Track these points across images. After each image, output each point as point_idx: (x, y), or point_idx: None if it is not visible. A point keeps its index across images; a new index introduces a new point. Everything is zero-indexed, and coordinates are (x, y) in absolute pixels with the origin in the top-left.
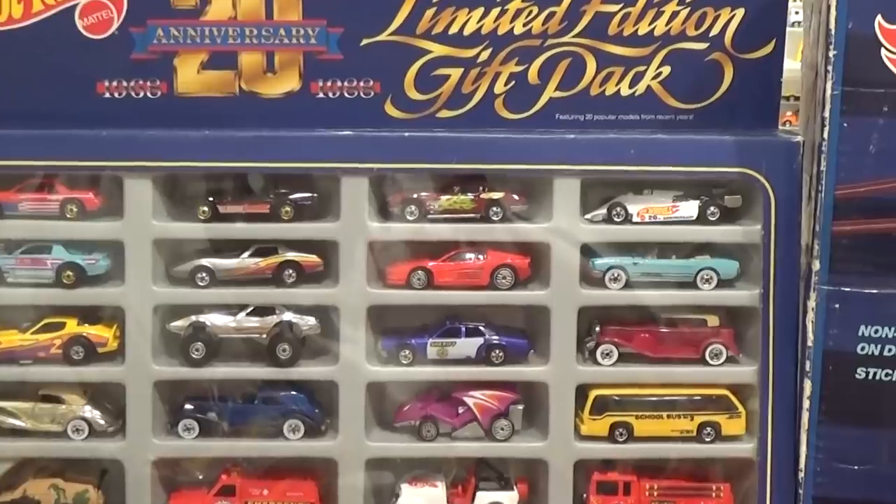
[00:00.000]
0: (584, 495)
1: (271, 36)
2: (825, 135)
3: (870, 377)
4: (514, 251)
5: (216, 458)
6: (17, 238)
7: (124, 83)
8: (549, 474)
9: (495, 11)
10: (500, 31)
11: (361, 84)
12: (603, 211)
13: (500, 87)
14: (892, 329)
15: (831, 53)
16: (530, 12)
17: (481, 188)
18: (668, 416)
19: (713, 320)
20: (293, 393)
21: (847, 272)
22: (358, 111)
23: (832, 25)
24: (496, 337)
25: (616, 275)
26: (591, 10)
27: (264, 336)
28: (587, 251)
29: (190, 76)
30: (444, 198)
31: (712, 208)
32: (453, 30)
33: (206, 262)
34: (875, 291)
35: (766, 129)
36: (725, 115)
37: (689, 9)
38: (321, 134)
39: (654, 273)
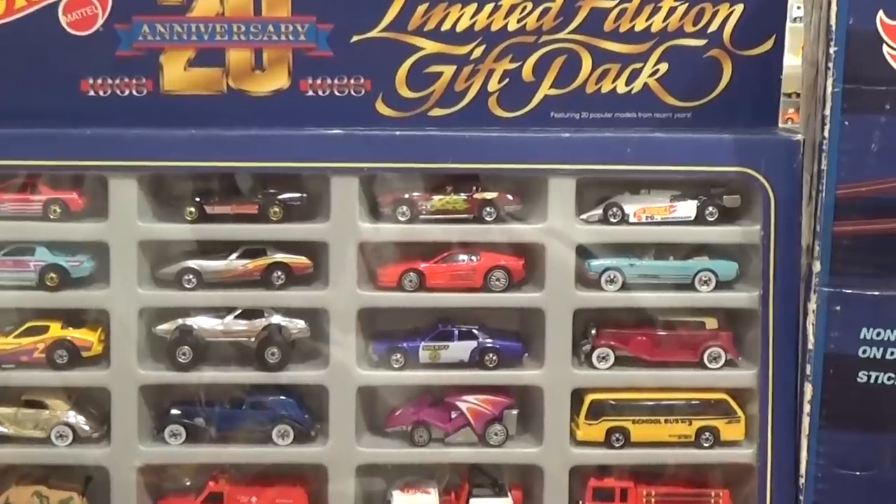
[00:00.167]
0: (580, 502)
1: (259, 32)
2: (826, 133)
3: (872, 381)
4: (508, 252)
5: (203, 464)
6: None
7: (109, 81)
8: (545, 481)
9: (489, 7)
10: (494, 28)
11: (352, 82)
12: (599, 211)
13: (493, 85)
14: (895, 331)
15: (832, 50)
16: (524, 8)
17: (474, 188)
18: (666, 421)
19: (712, 323)
20: (282, 398)
21: (848, 273)
22: (348, 109)
23: (833, 21)
24: (490, 340)
25: (612, 276)
26: (586, 5)
27: (252, 339)
28: (583, 252)
29: (176, 74)
30: (436, 198)
31: (711, 208)
32: (446, 26)
33: (192, 263)
34: (877, 293)
35: (765, 127)
36: (724, 114)
37: (686, 4)
38: (311, 133)
39: (652, 274)
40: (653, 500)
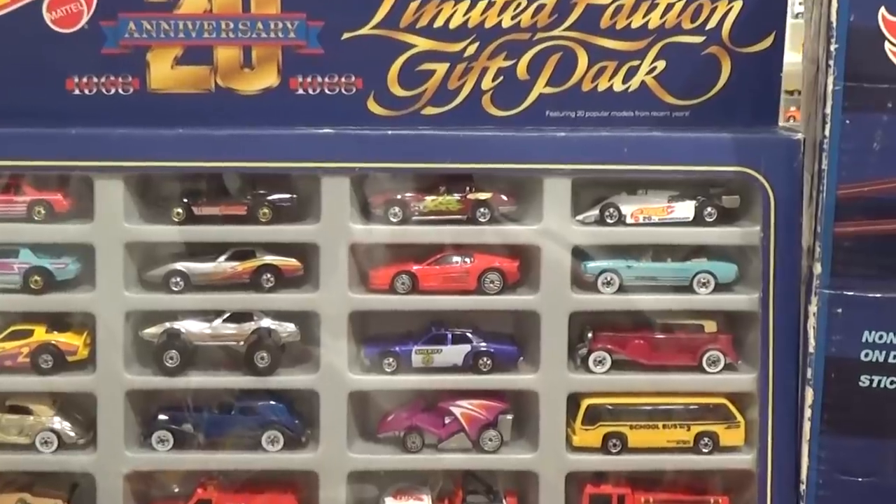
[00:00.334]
0: None
1: (248, 30)
2: (826, 132)
3: (874, 385)
4: (502, 254)
5: (191, 471)
6: None
7: (95, 79)
8: (540, 487)
9: (482, 4)
10: (488, 25)
11: (343, 80)
12: (595, 212)
13: (487, 83)
14: None
15: (832, 47)
16: (519, 4)
17: (468, 188)
18: (664, 426)
19: (710, 326)
20: (272, 403)
21: (850, 275)
22: (339, 108)
23: (833, 18)
24: (484, 344)
25: (609, 278)
26: (582, 2)
27: (242, 343)
28: (579, 254)
29: (163, 72)
30: (429, 198)
31: (709, 209)
32: (438, 23)
33: (180, 266)
34: (879, 295)
35: (765, 126)
36: (723, 112)
37: (684, 0)
38: (301, 132)
39: (649, 276)
40: None
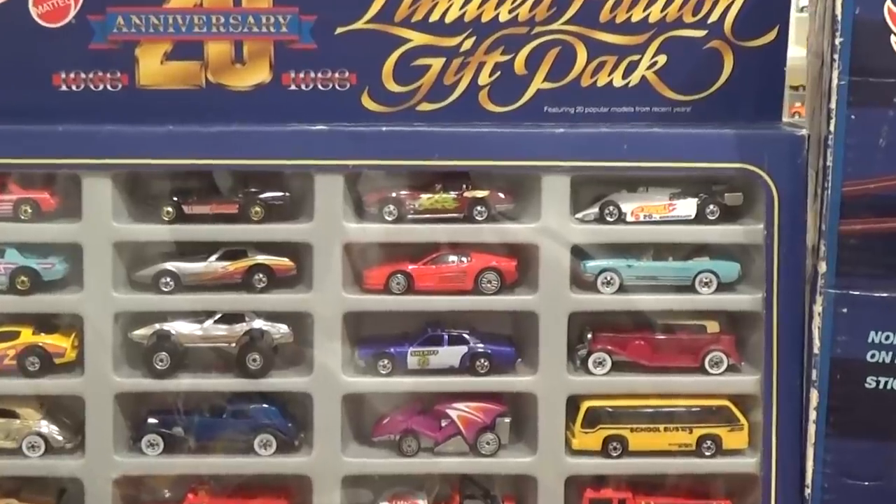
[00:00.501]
0: None
1: (240, 24)
2: (832, 127)
3: (880, 386)
4: (499, 253)
5: (182, 475)
6: None
7: (82, 75)
8: (539, 491)
9: None
10: (485, 18)
11: (336, 75)
12: (595, 210)
13: (484, 79)
14: None
15: (837, 41)
16: None
17: (464, 186)
18: (666, 429)
19: (713, 326)
20: (264, 406)
21: (856, 274)
22: (333, 104)
23: (838, 11)
24: (481, 345)
25: (609, 278)
26: None
27: (233, 345)
28: (578, 253)
29: (153, 67)
30: (424, 196)
31: (711, 207)
32: (434, 17)
33: (170, 266)
34: (885, 295)
35: (768, 121)
36: (725, 107)
37: None
38: (293, 129)
39: (650, 276)
40: None
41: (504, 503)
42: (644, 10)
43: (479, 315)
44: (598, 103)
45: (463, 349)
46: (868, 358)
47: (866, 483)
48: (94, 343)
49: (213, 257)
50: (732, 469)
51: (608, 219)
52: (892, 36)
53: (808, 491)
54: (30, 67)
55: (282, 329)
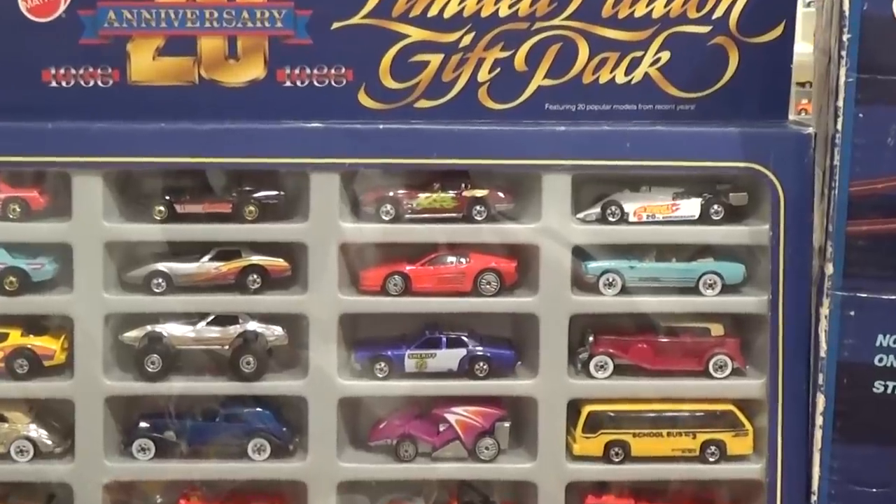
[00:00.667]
0: None
1: (233, 19)
2: (839, 126)
3: (888, 391)
4: (499, 254)
5: (174, 480)
6: None
7: (72, 71)
8: (539, 498)
9: None
10: (484, 14)
11: (332, 71)
12: (596, 210)
13: (483, 75)
14: None
15: (845, 37)
16: None
17: (463, 185)
18: (669, 434)
19: (717, 329)
20: (258, 409)
21: (863, 276)
22: (329, 101)
23: (846, 7)
24: (480, 348)
25: (611, 279)
26: None
27: (226, 347)
28: (579, 254)
29: (144, 63)
30: (422, 196)
31: (716, 207)
32: (433, 12)
33: (162, 266)
34: (894, 297)
35: (774, 120)
36: (730, 105)
37: None
38: (288, 126)
39: (653, 277)
40: None
41: None
42: (647, 5)
43: (479, 317)
44: (600, 101)
45: (461, 352)
46: (876, 362)
47: (874, 490)
48: (85, 345)
49: (206, 258)
50: (737, 475)
51: (610, 219)
52: None
53: (814, 498)
54: (19, 63)
55: (276, 331)
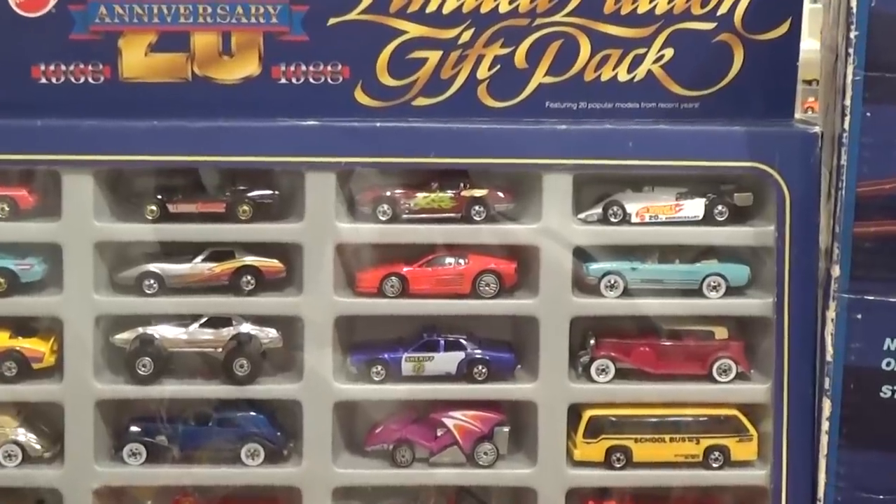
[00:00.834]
0: None
1: (228, 14)
2: (846, 125)
3: None
4: (499, 255)
5: (166, 486)
6: None
7: (63, 67)
8: None
9: None
10: (484, 10)
11: (329, 68)
12: (598, 210)
13: (483, 72)
14: None
15: (852, 34)
16: None
17: (462, 185)
18: (671, 440)
19: (721, 332)
20: (252, 413)
21: (870, 278)
22: (324, 99)
23: (853, 3)
24: (479, 351)
25: (613, 281)
26: None
27: (220, 350)
28: (580, 255)
29: (136, 59)
30: (420, 195)
31: (720, 207)
32: (431, 8)
33: (154, 267)
34: None
35: (780, 118)
36: (735, 104)
37: None
38: (283, 124)
39: (656, 279)
40: None
41: None
42: (650, 1)
43: (477, 320)
44: (601, 99)
45: (460, 355)
46: (883, 366)
47: (881, 497)
48: (74, 347)
49: (199, 258)
50: (741, 481)
51: (612, 219)
52: None
53: None
54: (8, 59)
55: (270, 333)
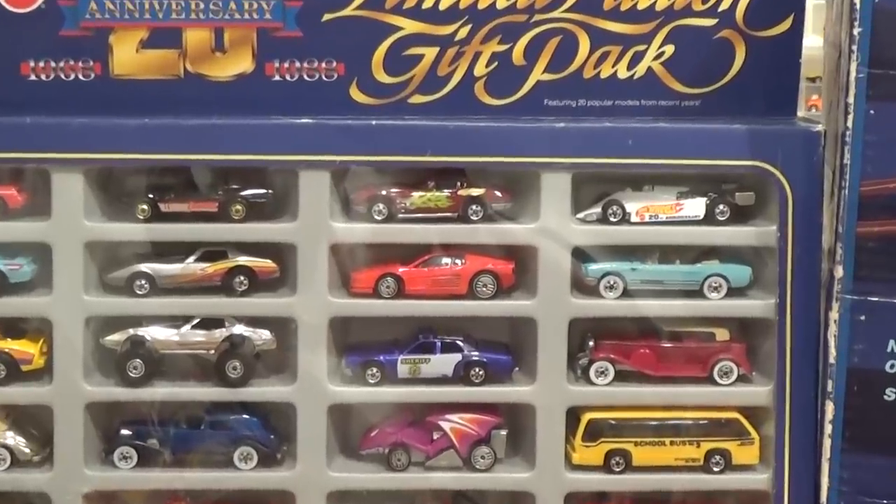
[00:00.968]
0: None
1: (220, 10)
2: (849, 123)
3: None
4: (496, 255)
5: (157, 490)
6: None
7: (52, 63)
8: None
9: None
10: (481, 5)
11: (323, 65)
12: (597, 210)
13: (480, 69)
14: None
15: (856, 31)
16: None
17: (459, 184)
18: (672, 443)
19: (722, 334)
20: (245, 416)
21: (874, 279)
22: (319, 96)
23: None
24: (476, 353)
25: (612, 282)
26: None
27: (212, 352)
28: (579, 255)
29: (127, 56)
30: (416, 194)
31: (721, 206)
32: (427, 3)
33: (145, 267)
34: None
35: (782, 116)
36: (736, 101)
37: None
38: (277, 122)
39: (656, 280)
40: None
41: None
42: None
43: (474, 321)
44: (601, 96)
45: (457, 357)
46: (887, 368)
47: (885, 501)
48: (64, 349)
49: (191, 258)
50: (742, 486)
51: (611, 219)
52: None
53: None
54: None
55: (264, 335)
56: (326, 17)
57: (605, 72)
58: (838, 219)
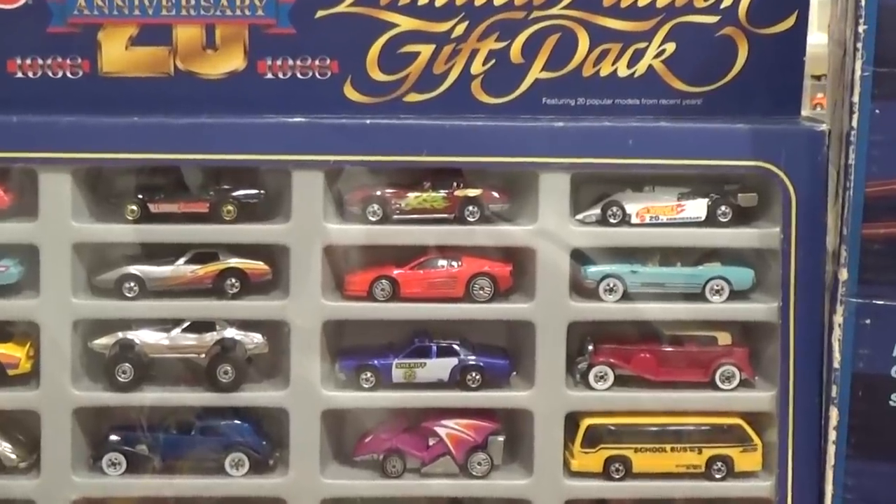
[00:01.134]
0: None
1: (212, 6)
2: (854, 122)
3: None
4: (493, 257)
5: (146, 497)
6: None
7: (40, 61)
8: None
9: None
10: (478, 2)
11: (316, 63)
12: (597, 211)
13: (477, 67)
14: None
15: (861, 28)
16: None
17: (455, 184)
18: (673, 450)
19: (724, 338)
20: (237, 422)
21: (879, 282)
22: (312, 94)
23: None
24: (473, 357)
25: (612, 285)
26: None
27: (203, 356)
28: (578, 257)
29: (116, 53)
30: (412, 195)
31: (723, 208)
32: (423, 0)
33: (134, 269)
34: None
35: (786, 115)
36: (739, 100)
37: None
38: (270, 121)
39: (656, 283)
40: None
41: None
42: None
43: (471, 324)
44: (600, 95)
45: (453, 361)
46: (893, 373)
47: None
48: (51, 353)
49: (182, 260)
50: (745, 493)
51: (611, 220)
52: None
53: None
54: None
55: (256, 339)
56: (320, 13)
57: (605, 70)
58: (843, 220)
